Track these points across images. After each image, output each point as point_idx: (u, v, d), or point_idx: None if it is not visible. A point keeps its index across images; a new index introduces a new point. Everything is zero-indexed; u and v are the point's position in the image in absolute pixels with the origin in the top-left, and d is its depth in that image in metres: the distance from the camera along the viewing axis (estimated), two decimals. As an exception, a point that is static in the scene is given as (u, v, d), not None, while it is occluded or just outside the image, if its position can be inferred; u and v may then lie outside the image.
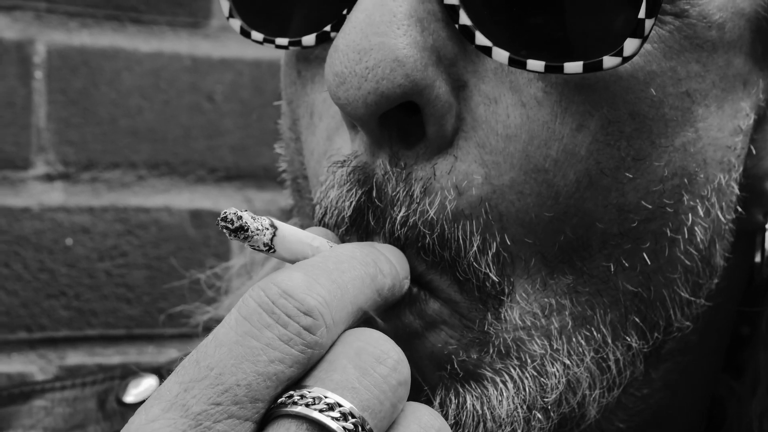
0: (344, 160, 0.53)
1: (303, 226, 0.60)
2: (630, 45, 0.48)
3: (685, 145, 0.53)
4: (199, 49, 1.18)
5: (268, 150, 1.15)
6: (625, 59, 0.48)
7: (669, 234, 0.53)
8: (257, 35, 0.57)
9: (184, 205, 1.16)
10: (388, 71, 0.49)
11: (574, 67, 0.49)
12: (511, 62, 0.49)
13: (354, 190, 0.52)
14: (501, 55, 0.49)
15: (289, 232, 0.48)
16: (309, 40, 0.55)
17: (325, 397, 0.43)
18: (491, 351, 0.52)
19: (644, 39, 0.48)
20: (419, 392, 0.52)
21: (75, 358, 1.11)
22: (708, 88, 0.53)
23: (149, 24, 1.16)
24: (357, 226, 0.52)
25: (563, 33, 0.50)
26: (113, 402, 0.74)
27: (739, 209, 0.57)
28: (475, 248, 0.51)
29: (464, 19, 0.50)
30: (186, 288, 1.04)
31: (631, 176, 0.51)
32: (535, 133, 0.51)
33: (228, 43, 1.19)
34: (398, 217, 0.51)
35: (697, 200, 0.54)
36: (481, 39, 0.50)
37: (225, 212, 0.47)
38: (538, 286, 0.52)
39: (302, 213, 0.61)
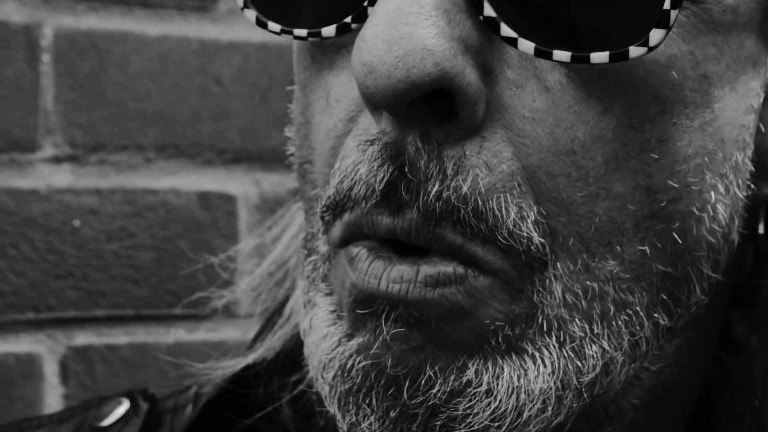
0: (374, 139, 0.53)
1: (306, 211, 0.61)
2: (655, 35, 0.49)
3: (704, 126, 0.53)
4: (207, 33, 1.18)
5: (276, 132, 1.15)
6: (651, 49, 0.49)
7: (696, 213, 0.54)
8: (274, 26, 0.57)
9: (191, 187, 1.17)
10: (418, 60, 0.49)
11: (600, 57, 0.49)
12: (537, 53, 0.50)
13: (386, 165, 0.52)
14: (527, 46, 0.50)
15: None
16: (329, 31, 0.55)
17: None
18: (534, 326, 0.52)
19: (669, 29, 0.49)
20: (454, 359, 0.52)
21: (83, 338, 1.12)
22: (723, 70, 0.54)
23: (157, 8, 1.16)
24: (389, 200, 0.52)
25: (589, 23, 0.50)
26: (87, 430, 0.73)
27: (752, 186, 0.58)
28: (513, 217, 0.51)
29: (488, 10, 0.50)
30: (201, 272, 1.04)
31: (656, 157, 0.52)
32: (561, 116, 0.51)
33: (236, 26, 1.19)
34: (433, 191, 0.51)
35: (717, 178, 0.54)
36: (506, 30, 0.50)
37: None
38: (580, 267, 0.53)
39: (305, 197, 0.61)
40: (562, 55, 0.50)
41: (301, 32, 0.56)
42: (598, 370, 0.53)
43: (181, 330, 1.14)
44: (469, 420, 0.52)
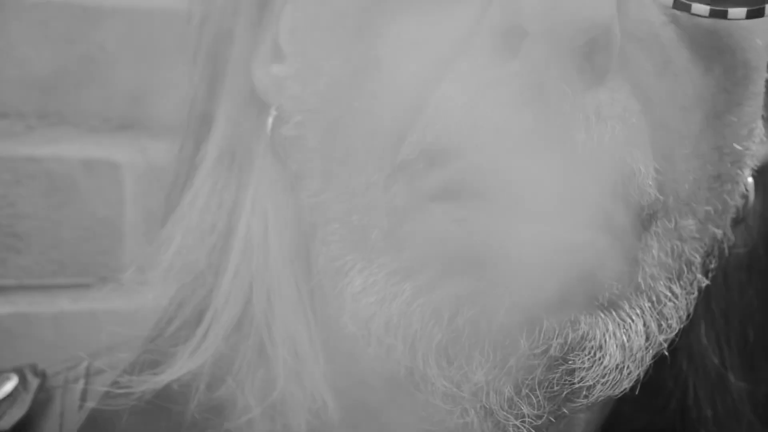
0: (497, 81, 0.50)
1: (338, 171, 0.56)
2: None
3: (759, 92, 0.56)
4: (90, -2, 1.16)
5: (163, 99, 1.14)
6: None
7: (740, 174, 0.56)
8: None
9: (75, 155, 1.15)
10: None
11: (737, 12, 0.50)
12: (676, 5, 0.50)
13: (525, 108, 0.50)
14: None
15: None
16: None
17: None
18: (632, 284, 0.53)
19: None
20: (565, 313, 0.51)
21: (-38, 309, 1.10)
22: None
23: (38, -28, 1.14)
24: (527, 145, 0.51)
25: None
26: None
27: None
28: (643, 171, 0.51)
29: None
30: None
31: (734, 119, 0.54)
32: (678, 72, 0.52)
33: (120, -9, 1.17)
34: (580, 139, 0.50)
35: (753, 140, 0.57)
36: None
37: None
38: (672, 226, 0.53)
39: (337, 153, 0.56)
40: (701, 8, 0.50)
41: None
42: (673, 332, 0.54)
43: (65, 299, 1.12)
44: (583, 374, 0.51)
